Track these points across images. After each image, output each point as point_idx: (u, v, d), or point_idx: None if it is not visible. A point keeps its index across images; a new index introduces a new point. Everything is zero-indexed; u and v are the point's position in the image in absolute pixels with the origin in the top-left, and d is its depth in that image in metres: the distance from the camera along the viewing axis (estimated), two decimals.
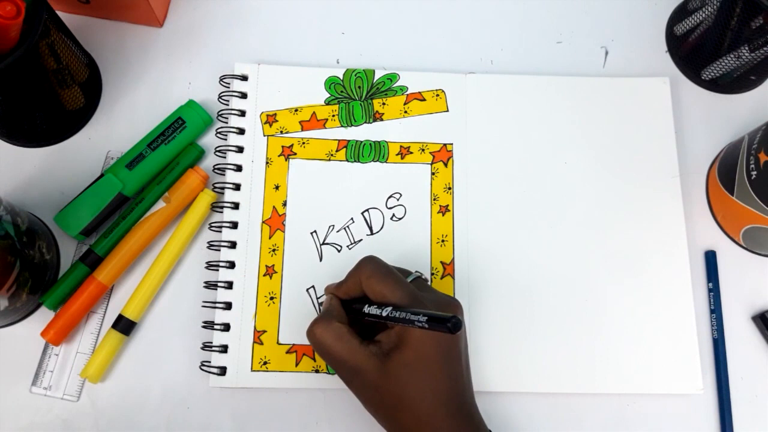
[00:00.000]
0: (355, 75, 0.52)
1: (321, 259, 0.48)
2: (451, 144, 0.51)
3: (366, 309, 0.39)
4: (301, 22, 0.55)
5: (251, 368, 0.46)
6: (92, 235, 0.49)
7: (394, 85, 0.52)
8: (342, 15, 0.56)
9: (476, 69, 0.54)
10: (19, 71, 0.42)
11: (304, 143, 0.50)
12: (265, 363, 0.46)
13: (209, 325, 0.47)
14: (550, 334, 0.47)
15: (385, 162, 0.50)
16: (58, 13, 0.47)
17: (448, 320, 0.33)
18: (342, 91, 0.52)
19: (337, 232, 0.49)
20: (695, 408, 0.47)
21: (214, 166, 0.50)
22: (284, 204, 0.49)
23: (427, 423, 0.38)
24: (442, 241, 0.49)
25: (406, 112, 0.52)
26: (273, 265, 0.48)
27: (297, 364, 0.46)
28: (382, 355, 0.38)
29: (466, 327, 0.42)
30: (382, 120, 0.51)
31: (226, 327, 0.46)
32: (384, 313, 0.37)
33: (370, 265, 0.40)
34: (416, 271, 0.44)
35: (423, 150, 0.51)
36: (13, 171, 0.50)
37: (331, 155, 0.50)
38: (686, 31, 0.54)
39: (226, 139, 0.51)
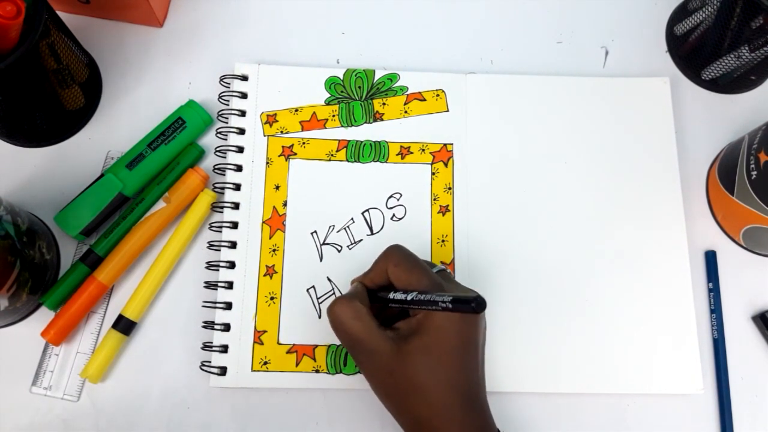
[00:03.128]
0: (356, 75, 0.52)
1: (321, 259, 0.48)
2: (451, 144, 0.51)
3: (391, 295, 0.39)
4: (301, 22, 0.55)
5: (251, 368, 0.46)
6: (92, 235, 0.49)
7: (395, 85, 0.52)
8: (342, 15, 0.55)
9: (476, 69, 0.54)
10: (19, 71, 0.42)
11: (304, 143, 0.50)
12: (265, 363, 0.46)
13: (209, 325, 0.46)
14: (550, 334, 0.47)
15: (386, 162, 0.50)
16: (58, 13, 0.47)
17: (471, 300, 0.33)
18: (342, 91, 0.52)
19: (338, 232, 0.49)
20: (695, 408, 0.47)
21: (214, 166, 0.50)
22: (284, 204, 0.49)
23: (439, 413, 0.37)
24: (442, 241, 0.49)
25: (406, 112, 0.52)
26: (273, 265, 0.48)
27: (297, 364, 0.46)
28: (399, 339, 0.38)
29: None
30: (382, 120, 0.51)
31: (227, 327, 0.46)
32: (409, 298, 0.38)
33: (398, 253, 0.41)
34: (441, 263, 0.43)
35: (423, 150, 0.51)
36: (13, 171, 0.50)
37: (332, 155, 0.50)
38: (686, 31, 0.54)
39: (226, 139, 0.51)
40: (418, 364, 0.37)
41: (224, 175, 0.50)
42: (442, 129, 0.51)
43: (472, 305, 0.33)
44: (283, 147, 0.50)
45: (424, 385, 0.37)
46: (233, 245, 0.48)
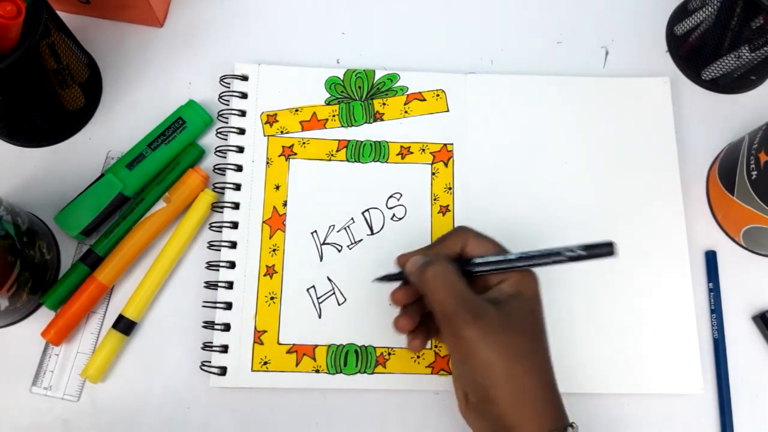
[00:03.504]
0: (356, 75, 0.52)
1: (321, 259, 0.48)
2: (452, 144, 0.51)
3: (485, 258, 0.38)
4: (301, 22, 0.55)
5: (251, 368, 0.46)
6: (92, 235, 0.49)
7: (395, 86, 0.52)
8: (342, 15, 0.55)
9: (476, 69, 0.54)
10: (20, 71, 0.42)
11: (304, 143, 0.50)
12: (265, 363, 0.46)
13: (209, 325, 0.46)
14: (550, 334, 0.47)
15: (386, 162, 0.50)
16: (58, 13, 0.47)
17: (607, 243, 0.34)
18: (342, 91, 0.52)
19: (338, 232, 0.49)
20: (695, 408, 0.47)
21: (214, 166, 0.50)
22: (284, 204, 0.49)
23: (549, 382, 0.38)
24: None
25: (406, 112, 0.52)
26: (273, 265, 0.48)
27: (297, 364, 0.46)
28: (496, 303, 0.37)
29: None
30: (382, 120, 0.51)
31: (227, 327, 0.46)
32: (512, 257, 0.38)
33: (474, 230, 0.41)
34: None
35: (423, 150, 0.51)
36: (13, 171, 0.50)
37: (332, 155, 0.50)
38: (686, 31, 0.54)
39: (226, 139, 0.51)
40: (527, 323, 0.37)
41: (224, 175, 0.50)
42: (442, 129, 0.51)
43: (608, 249, 0.33)
44: (283, 147, 0.50)
45: (533, 344, 0.38)
46: (233, 245, 0.48)
